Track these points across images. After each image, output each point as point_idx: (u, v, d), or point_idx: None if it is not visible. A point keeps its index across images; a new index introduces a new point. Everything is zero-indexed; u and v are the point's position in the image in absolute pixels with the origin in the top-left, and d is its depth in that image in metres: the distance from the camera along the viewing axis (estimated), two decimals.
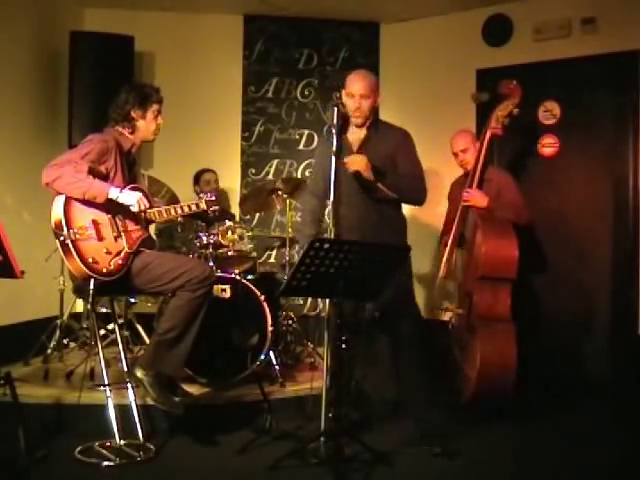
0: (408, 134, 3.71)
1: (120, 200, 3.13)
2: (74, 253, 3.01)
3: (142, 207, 3.19)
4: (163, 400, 3.22)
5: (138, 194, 3.19)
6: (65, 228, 3.02)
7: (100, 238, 3.13)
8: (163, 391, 3.22)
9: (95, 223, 3.13)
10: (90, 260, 3.05)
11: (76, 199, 3.10)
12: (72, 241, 3.02)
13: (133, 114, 3.34)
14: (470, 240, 3.98)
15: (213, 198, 3.54)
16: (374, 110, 3.62)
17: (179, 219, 4.38)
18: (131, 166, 3.44)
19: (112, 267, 3.12)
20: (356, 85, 3.53)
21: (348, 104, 3.53)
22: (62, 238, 3.01)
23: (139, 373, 3.21)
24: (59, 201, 3.08)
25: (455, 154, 4.21)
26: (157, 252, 3.38)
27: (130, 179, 3.37)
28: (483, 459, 3.32)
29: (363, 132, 3.61)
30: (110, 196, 3.11)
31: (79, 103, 5.00)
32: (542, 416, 3.99)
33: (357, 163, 3.39)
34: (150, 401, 3.49)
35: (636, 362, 4.50)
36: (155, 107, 3.38)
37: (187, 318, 3.20)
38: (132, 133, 3.38)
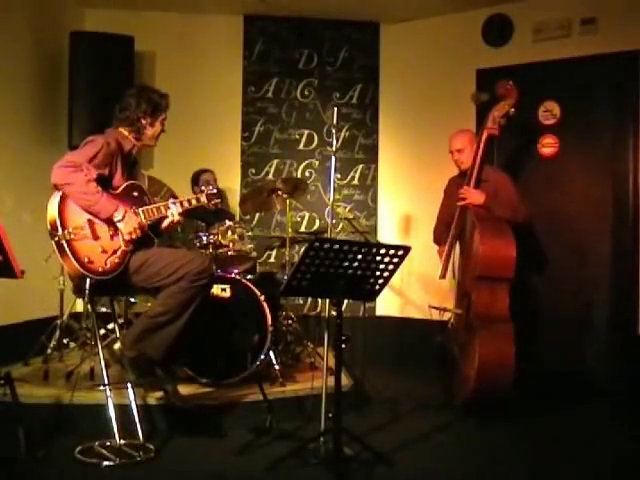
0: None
1: (119, 225, 3.16)
2: (69, 253, 3.02)
3: (133, 236, 3.19)
4: (143, 381, 3.25)
5: (135, 223, 3.19)
6: (60, 228, 3.02)
7: (95, 237, 3.13)
8: (142, 373, 3.23)
9: (91, 222, 3.13)
10: (85, 259, 3.05)
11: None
12: (67, 241, 3.03)
13: (143, 121, 3.35)
14: (468, 240, 3.99)
15: (215, 191, 3.55)
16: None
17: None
18: (132, 166, 3.44)
19: (108, 266, 3.12)
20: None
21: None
22: (57, 238, 3.02)
23: (116, 347, 3.22)
24: (54, 201, 3.08)
25: (451, 152, 4.22)
26: (154, 248, 3.37)
27: (130, 179, 3.37)
28: (482, 459, 3.32)
29: None
30: (115, 219, 3.14)
31: (79, 103, 5.00)
32: (541, 416, 3.99)
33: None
34: (151, 401, 3.52)
35: (636, 362, 4.50)
36: (163, 116, 3.40)
37: (181, 305, 3.20)
38: (138, 139, 3.38)
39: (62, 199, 3.09)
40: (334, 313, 3.00)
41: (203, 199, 3.51)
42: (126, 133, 3.37)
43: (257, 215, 5.68)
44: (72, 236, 3.05)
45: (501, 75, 4.53)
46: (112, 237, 3.18)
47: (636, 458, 3.35)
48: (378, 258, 2.91)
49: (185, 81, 5.52)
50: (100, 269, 3.09)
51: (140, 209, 3.27)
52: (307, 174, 5.74)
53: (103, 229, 3.17)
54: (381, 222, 5.82)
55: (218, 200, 3.57)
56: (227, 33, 5.72)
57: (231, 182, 5.67)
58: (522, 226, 4.00)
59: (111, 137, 3.30)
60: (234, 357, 3.85)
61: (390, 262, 2.94)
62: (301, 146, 5.78)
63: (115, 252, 3.16)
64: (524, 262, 3.85)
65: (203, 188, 3.58)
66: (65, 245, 3.02)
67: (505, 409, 3.77)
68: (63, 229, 3.03)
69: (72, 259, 3.02)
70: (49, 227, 3.05)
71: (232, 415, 3.64)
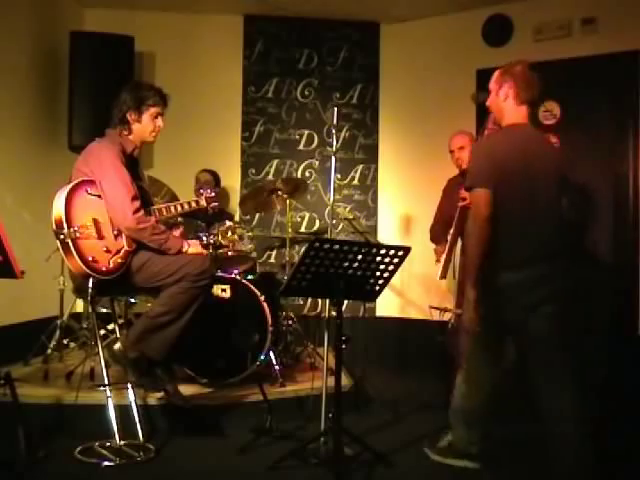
0: None
1: (189, 252, 3.36)
2: (74, 252, 3.01)
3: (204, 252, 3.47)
4: (143, 381, 3.26)
5: (199, 247, 3.44)
6: (65, 226, 3.01)
7: (100, 237, 3.12)
8: (143, 373, 3.23)
9: (96, 222, 3.13)
10: (90, 259, 3.04)
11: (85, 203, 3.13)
12: (72, 240, 3.02)
13: (128, 116, 3.33)
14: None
15: (213, 194, 3.60)
16: None
17: (179, 219, 4.40)
18: (134, 166, 3.43)
19: (111, 266, 3.12)
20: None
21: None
22: (62, 237, 3.00)
23: (116, 347, 3.23)
24: (60, 198, 3.06)
25: (452, 151, 4.22)
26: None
27: (135, 178, 3.35)
28: (482, 459, 3.31)
29: None
30: (183, 249, 3.33)
31: (79, 103, 5.00)
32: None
33: None
34: (151, 401, 3.52)
35: (636, 362, 4.50)
36: (153, 110, 3.35)
37: (182, 306, 3.19)
38: (129, 135, 3.37)
39: (69, 197, 3.08)
40: (334, 313, 3.00)
41: (202, 202, 3.57)
42: (125, 132, 3.36)
43: (257, 215, 5.68)
44: (78, 234, 3.04)
45: None
46: (116, 237, 3.18)
47: (637, 458, 3.35)
48: (378, 258, 2.91)
49: (185, 81, 5.52)
50: (104, 269, 3.08)
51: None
52: (307, 174, 5.74)
53: (108, 229, 3.16)
54: (381, 222, 5.82)
55: (216, 204, 3.64)
56: (227, 33, 5.72)
57: (231, 182, 5.68)
58: None
59: (114, 142, 3.28)
60: (234, 357, 3.85)
61: (390, 262, 2.94)
62: (301, 146, 5.78)
63: (118, 252, 3.15)
64: None
65: (201, 191, 3.63)
66: (70, 244, 3.01)
67: (505, 409, 3.76)
68: (69, 227, 3.03)
69: (77, 258, 3.01)
70: (54, 225, 3.02)
71: (232, 415, 3.64)
